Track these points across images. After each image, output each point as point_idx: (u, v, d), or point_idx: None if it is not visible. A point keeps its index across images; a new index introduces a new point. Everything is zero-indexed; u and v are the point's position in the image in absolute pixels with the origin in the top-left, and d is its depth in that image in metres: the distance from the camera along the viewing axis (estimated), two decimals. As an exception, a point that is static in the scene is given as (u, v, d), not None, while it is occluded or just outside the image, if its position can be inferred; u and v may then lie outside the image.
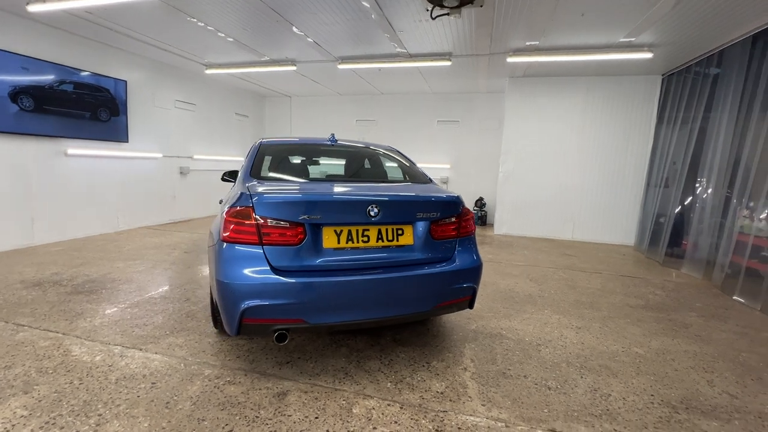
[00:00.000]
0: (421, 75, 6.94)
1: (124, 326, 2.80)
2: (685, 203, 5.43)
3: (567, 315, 3.36)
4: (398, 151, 3.32)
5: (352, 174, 3.06)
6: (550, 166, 7.05)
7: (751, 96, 4.34)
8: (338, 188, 2.38)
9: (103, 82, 5.77)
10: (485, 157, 8.40)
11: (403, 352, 2.58)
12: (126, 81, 6.08)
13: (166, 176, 7.18)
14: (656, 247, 5.78)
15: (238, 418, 1.86)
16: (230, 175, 4.63)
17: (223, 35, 5.21)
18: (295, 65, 6.48)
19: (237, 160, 9.07)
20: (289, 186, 2.47)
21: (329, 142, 3.14)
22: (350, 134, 9.41)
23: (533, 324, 3.13)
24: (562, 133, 6.92)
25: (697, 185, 5.09)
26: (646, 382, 2.33)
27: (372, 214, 2.12)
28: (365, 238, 2.15)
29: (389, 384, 2.20)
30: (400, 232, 2.22)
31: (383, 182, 2.85)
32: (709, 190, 4.86)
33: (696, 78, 5.37)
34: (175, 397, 1.99)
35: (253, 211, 1.99)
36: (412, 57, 5.86)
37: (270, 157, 2.78)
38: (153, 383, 2.11)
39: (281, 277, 1.95)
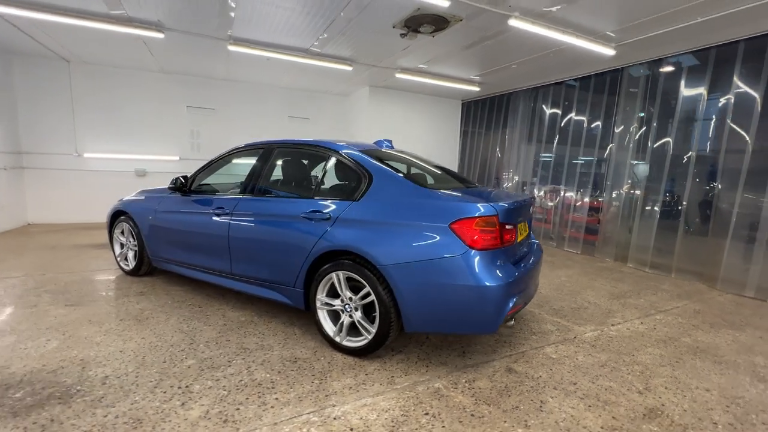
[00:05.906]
0: (286, 69, 6.70)
1: (237, 407, 2.04)
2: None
3: (510, 270, 4.93)
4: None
5: (453, 180, 3.29)
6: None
7: (530, 121, 7.40)
8: (512, 195, 2.83)
9: None
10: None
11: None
12: None
13: None
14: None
15: (527, 393, 2.17)
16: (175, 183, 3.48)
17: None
18: (163, 32, 4.92)
19: (-15, 153, 5.60)
20: (483, 195, 2.64)
21: (388, 148, 3.26)
22: (181, 121, 7.70)
23: (510, 279, 4.49)
24: (408, 137, 8.62)
25: (505, 177, 8.02)
26: (592, 293, 4.15)
27: (527, 213, 2.78)
28: (519, 234, 2.76)
29: (507, 349, 2.96)
30: (524, 227, 2.96)
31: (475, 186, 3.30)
32: (514, 179, 7.82)
33: (491, 107, 8.27)
34: (468, 409, 2.01)
35: (498, 218, 2.24)
36: (318, 56, 5.81)
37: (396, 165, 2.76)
38: (426, 412, 1.96)
39: (517, 270, 2.34)
